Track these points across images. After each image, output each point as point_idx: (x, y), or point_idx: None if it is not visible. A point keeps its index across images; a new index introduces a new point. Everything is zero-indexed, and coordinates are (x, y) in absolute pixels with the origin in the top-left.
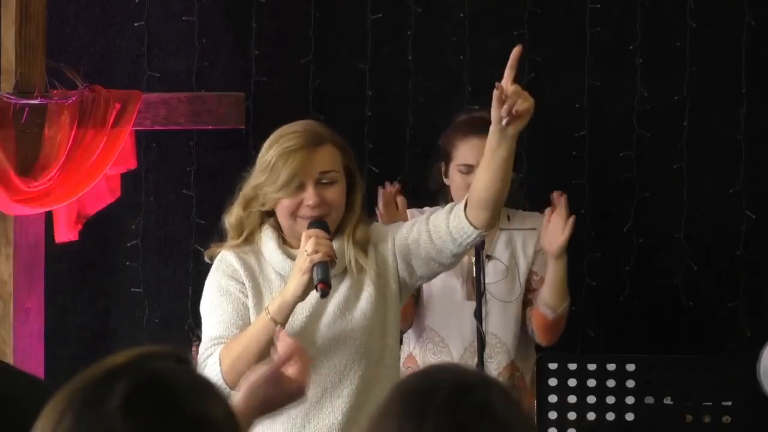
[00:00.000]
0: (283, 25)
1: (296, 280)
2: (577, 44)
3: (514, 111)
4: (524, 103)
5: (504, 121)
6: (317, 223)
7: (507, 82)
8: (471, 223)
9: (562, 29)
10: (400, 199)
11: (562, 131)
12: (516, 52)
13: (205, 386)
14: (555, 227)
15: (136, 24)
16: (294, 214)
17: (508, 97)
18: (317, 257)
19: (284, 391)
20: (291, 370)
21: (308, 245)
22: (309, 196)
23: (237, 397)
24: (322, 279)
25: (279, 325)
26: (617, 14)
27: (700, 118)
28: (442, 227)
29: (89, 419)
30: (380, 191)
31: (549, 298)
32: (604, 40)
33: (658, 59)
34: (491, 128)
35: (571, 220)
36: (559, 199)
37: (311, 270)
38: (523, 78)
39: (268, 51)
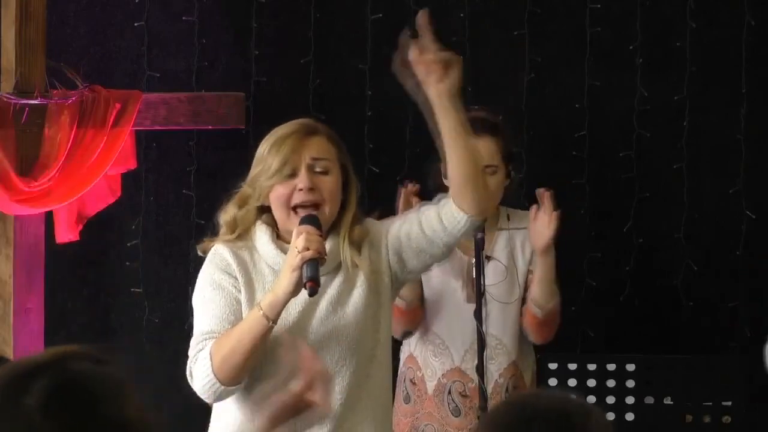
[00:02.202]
0: (283, 25)
1: (287, 278)
2: (577, 44)
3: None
4: (439, 59)
5: (425, 80)
6: (309, 218)
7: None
8: (460, 209)
9: (562, 29)
10: (415, 200)
11: (562, 131)
12: (423, 17)
13: (121, 388)
14: (541, 223)
15: (136, 24)
16: (288, 203)
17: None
18: (308, 254)
19: (307, 416)
20: (313, 395)
21: (299, 242)
22: (301, 179)
23: (261, 422)
24: (312, 277)
25: (271, 322)
26: (617, 14)
27: (700, 118)
28: (432, 217)
29: (7, 414)
30: (401, 190)
31: (537, 296)
32: (604, 40)
33: (658, 59)
34: (432, 102)
35: (555, 215)
36: (544, 195)
37: (301, 267)
38: (523, 78)
39: (268, 51)
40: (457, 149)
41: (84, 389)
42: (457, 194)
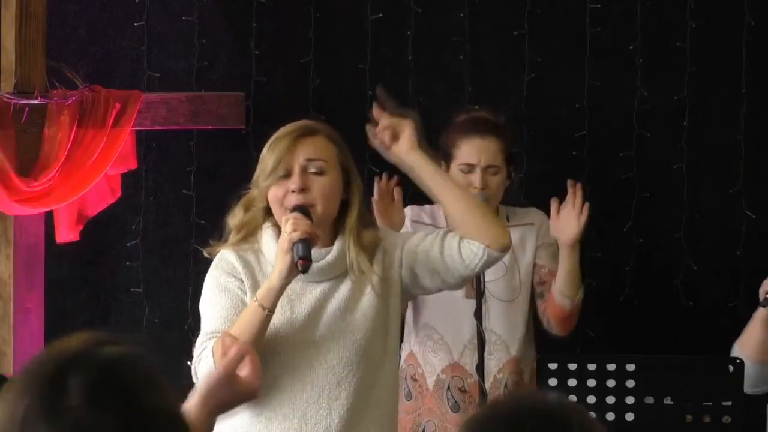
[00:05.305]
0: (283, 25)
1: (279, 263)
2: (577, 44)
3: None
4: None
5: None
6: (297, 208)
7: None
8: (480, 242)
9: (562, 29)
10: (397, 190)
11: (562, 131)
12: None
13: (155, 376)
14: (568, 217)
15: (136, 24)
16: (282, 204)
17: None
18: (295, 235)
19: (238, 392)
20: (243, 372)
21: (287, 226)
22: (293, 181)
23: (193, 400)
24: (302, 255)
25: (267, 311)
26: (617, 14)
27: (700, 118)
28: (454, 246)
29: (52, 417)
30: (377, 182)
31: (565, 288)
32: (604, 40)
33: (658, 59)
34: (404, 165)
35: (586, 207)
36: (576, 188)
37: (291, 249)
38: (523, 78)
39: (268, 51)
40: (445, 194)
41: (122, 378)
42: (467, 235)
